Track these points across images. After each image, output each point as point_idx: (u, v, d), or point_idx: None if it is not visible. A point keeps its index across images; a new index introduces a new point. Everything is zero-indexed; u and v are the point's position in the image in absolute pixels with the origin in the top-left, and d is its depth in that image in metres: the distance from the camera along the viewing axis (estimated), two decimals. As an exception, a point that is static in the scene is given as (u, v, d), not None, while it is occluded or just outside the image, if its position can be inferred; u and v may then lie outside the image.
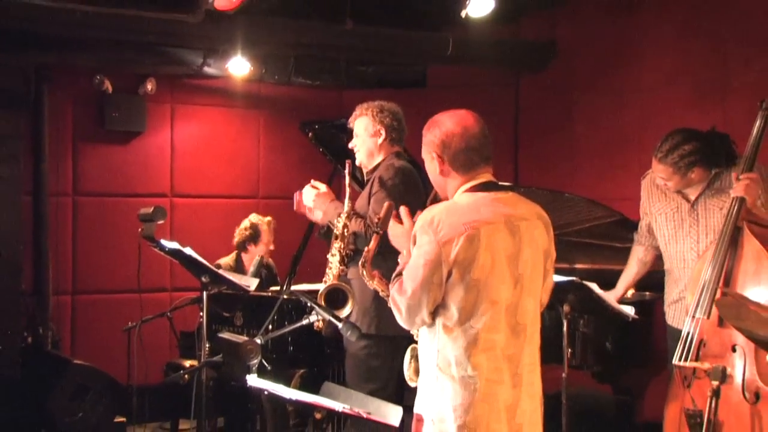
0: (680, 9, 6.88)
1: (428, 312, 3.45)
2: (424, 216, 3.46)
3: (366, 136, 5.20)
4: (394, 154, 5.25)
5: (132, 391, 6.20)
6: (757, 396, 4.43)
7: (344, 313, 4.71)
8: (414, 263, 3.44)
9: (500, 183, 3.64)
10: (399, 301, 3.48)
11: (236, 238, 7.21)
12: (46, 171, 7.62)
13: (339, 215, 5.08)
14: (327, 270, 5.18)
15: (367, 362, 5.06)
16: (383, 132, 5.19)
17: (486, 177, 3.57)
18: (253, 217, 7.25)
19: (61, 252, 7.84)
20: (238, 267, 7.12)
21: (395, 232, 3.73)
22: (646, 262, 5.61)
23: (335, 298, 4.99)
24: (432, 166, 3.61)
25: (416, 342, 3.80)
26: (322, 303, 4.70)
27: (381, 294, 3.81)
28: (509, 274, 3.46)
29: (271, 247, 7.25)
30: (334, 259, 5.15)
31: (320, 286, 5.25)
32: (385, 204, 3.85)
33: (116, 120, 7.95)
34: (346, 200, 5.05)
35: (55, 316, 7.69)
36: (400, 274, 3.57)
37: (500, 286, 3.43)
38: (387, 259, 3.81)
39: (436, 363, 3.47)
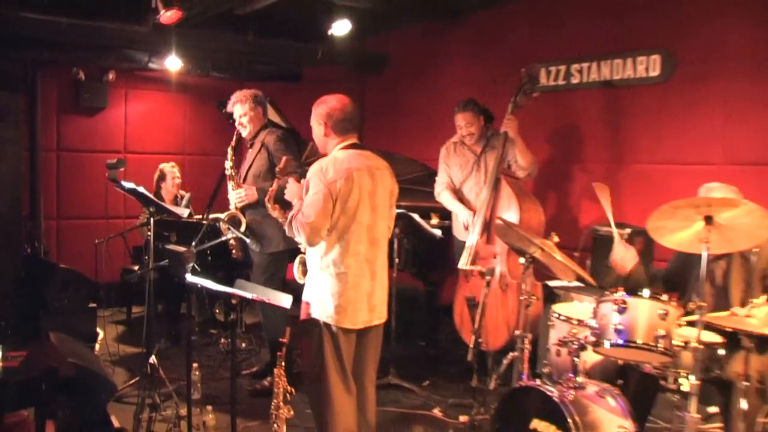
0: (470, 37, 7.01)
1: (326, 231, 3.48)
2: (315, 167, 3.51)
3: (252, 115, 5.18)
4: (266, 124, 5.28)
5: (100, 286, 6.15)
6: (506, 286, 4.78)
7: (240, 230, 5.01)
8: (312, 198, 3.44)
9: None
10: (304, 226, 3.44)
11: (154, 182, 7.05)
12: (39, 133, 7.46)
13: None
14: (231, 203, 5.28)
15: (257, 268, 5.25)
16: (257, 110, 5.22)
17: (354, 139, 3.67)
18: (161, 165, 7.04)
19: (50, 190, 7.70)
20: (158, 200, 6.96)
21: (291, 190, 3.68)
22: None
23: (234, 221, 5.17)
24: (319, 130, 3.65)
25: (303, 253, 3.85)
26: (225, 222, 4.92)
27: (280, 221, 3.84)
28: (369, 205, 3.56)
29: (177, 181, 6.96)
30: (232, 194, 5.23)
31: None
32: (284, 158, 3.93)
33: (87, 99, 7.80)
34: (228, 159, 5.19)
35: (46, 234, 7.59)
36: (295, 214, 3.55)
37: (364, 213, 3.54)
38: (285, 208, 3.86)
39: (319, 265, 3.57)
